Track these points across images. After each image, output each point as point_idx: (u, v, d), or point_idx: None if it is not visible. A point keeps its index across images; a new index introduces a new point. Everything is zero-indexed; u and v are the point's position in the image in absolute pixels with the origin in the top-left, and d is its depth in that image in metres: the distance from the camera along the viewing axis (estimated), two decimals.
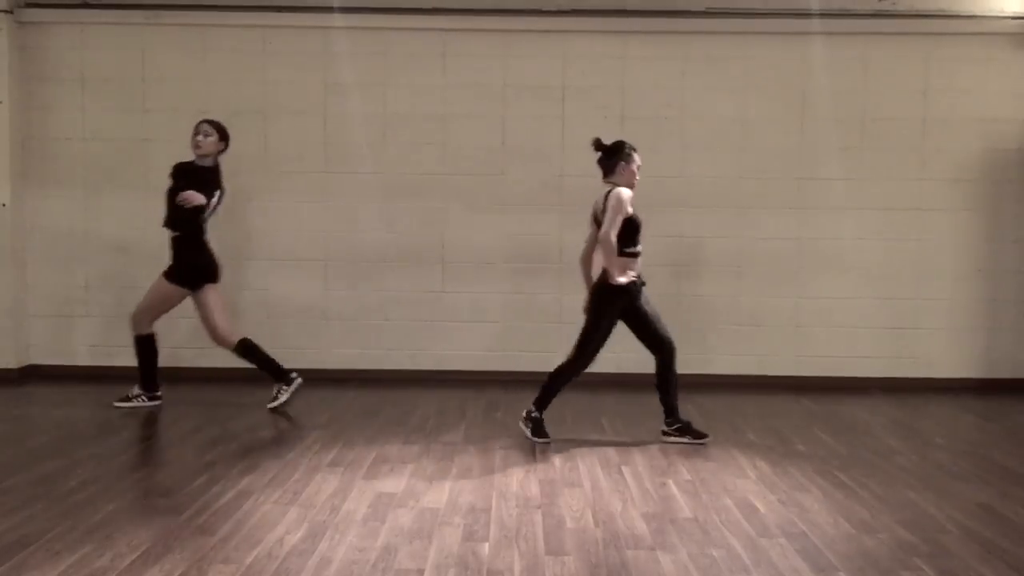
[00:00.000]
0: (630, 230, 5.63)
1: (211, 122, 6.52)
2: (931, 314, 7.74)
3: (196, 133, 6.47)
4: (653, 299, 5.85)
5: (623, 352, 7.71)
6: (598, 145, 5.80)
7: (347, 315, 7.74)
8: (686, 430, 5.76)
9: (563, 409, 6.67)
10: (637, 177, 5.81)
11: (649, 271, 7.73)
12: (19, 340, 7.61)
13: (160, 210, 6.44)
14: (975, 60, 7.60)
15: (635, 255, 5.70)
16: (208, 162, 6.48)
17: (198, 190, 6.32)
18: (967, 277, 7.73)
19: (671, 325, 7.88)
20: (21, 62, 7.54)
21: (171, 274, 6.47)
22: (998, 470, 5.25)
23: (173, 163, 6.41)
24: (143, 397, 6.54)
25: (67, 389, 7.14)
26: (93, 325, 7.65)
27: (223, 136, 6.54)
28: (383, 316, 7.75)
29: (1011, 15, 7.53)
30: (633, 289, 5.66)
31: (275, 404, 6.54)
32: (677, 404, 5.84)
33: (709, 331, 7.71)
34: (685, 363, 7.68)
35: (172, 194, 6.35)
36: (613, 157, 5.77)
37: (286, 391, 6.58)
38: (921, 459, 5.45)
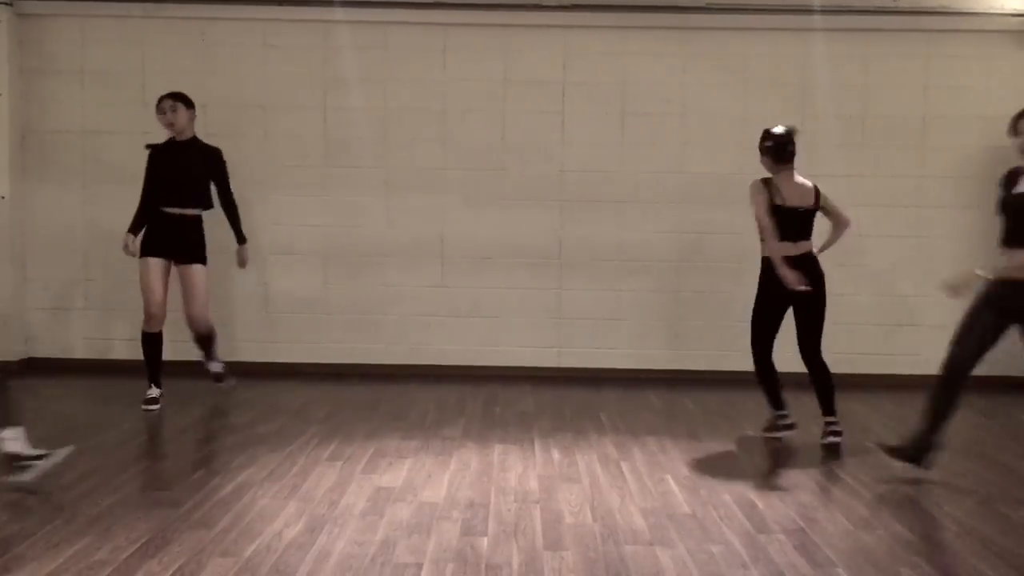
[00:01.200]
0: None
1: (171, 96, 6.33)
2: (931, 311, 7.71)
3: (162, 112, 6.30)
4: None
5: (622, 349, 7.77)
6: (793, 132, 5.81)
7: (346, 309, 7.73)
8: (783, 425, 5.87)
9: (561, 405, 6.68)
10: None
11: (648, 267, 7.78)
12: (18, 333, 7.61)
13: None
14: (976, 57, 7.59)
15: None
16: (188, 135, 6.37)
17: (215, 168, 6.38)
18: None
19: (670, 323, 7.88)
20: (21, 55, 7.53)
21: (204, 257, 6.45)
22: (997, 468, 5.25)
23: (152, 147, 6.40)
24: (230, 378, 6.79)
25: (66, 382, 7.14)
26: (92, 318, 7.64)
27: (189, 104, 6.35)
28: (382, 311, 7.74)
29: (1012, 12, 7.51)
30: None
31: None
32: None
33: (709, 327, 7.69)
34: (684, 360, 7.76)
35: (191, 174, 6.31)
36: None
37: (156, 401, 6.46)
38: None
